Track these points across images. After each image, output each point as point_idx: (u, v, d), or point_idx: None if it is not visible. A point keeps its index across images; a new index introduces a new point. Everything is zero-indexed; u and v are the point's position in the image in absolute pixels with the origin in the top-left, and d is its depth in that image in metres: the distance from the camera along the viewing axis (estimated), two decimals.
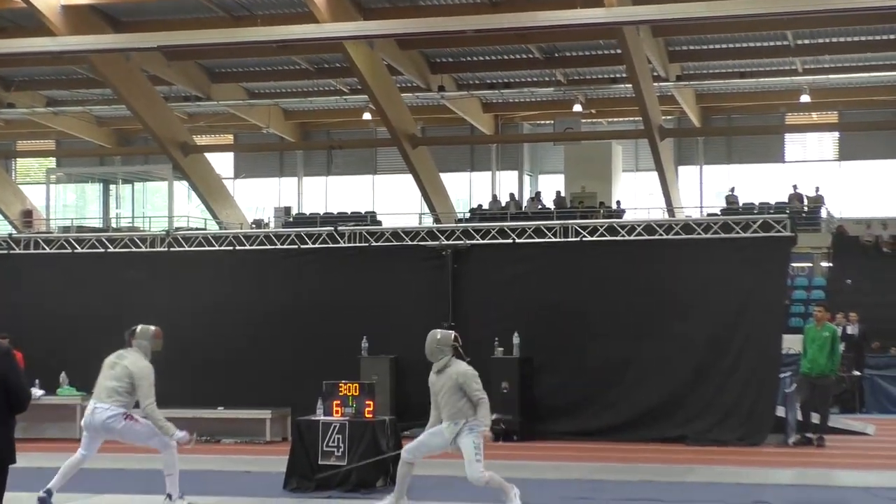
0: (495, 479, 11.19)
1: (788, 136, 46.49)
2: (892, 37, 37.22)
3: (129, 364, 11.51)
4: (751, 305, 17.96)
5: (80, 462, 11.65)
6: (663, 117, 41.99)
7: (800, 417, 17.99)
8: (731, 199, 42.16)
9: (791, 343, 21.04)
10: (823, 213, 41.31)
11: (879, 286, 33.60)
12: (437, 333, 11.61)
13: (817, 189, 41.96)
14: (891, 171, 44.35)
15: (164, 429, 11.36)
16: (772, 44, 38.36)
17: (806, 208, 41.06)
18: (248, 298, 19.81)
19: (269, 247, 20.37)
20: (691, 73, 41.62)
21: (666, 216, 38.07)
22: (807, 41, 38.03)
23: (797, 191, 41.77)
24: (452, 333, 11.76)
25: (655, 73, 39.18)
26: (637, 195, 45.78)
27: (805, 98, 41.81)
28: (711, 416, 17.39)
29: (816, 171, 44.64)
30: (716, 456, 16.08)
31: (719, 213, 36.29)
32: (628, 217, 38.88)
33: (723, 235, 18.68)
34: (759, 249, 18.27)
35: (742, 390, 17.61)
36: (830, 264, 38.15)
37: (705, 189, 47.12)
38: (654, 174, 42.12)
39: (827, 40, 37.88)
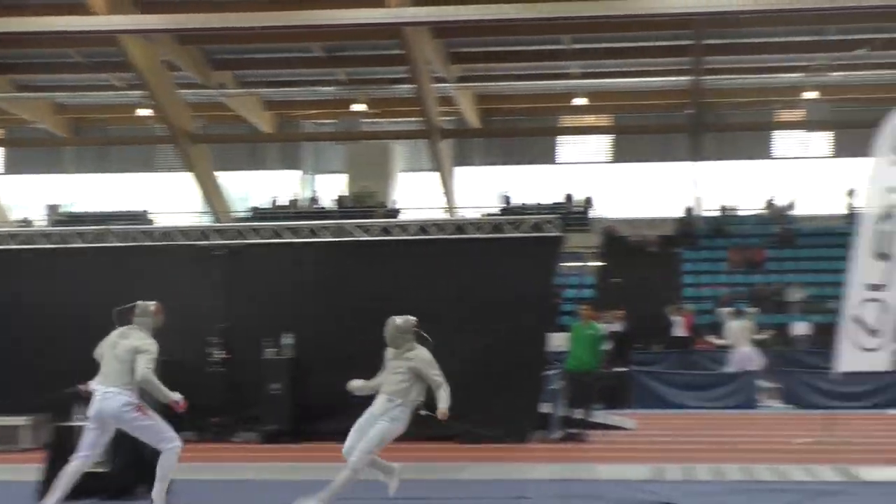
0: (360, 472, 11.50)
1: (563, 139, 47.54)
2: (664, 43, 38.58)
3: (135, 340, 10.99)
4: (520, 304, 18.18)
5: (83, 467, 11.01)
6: (443, 118, 42.47)
7: (564, 413, 18.46)
8: (506, 200, 42.86)
9: (561, 341, 21.55)
10: (593, 214, 42.38)
11: (645, 284, 34.71)
12: (397, 320, 11.74)
13: (589, 190, 42.99)
14: (658, 171, 45.87)
15: (162, 393, 10.89)
16: (549, 47, 39.25)
17: (577, 209, 42.07)
18: (7, 299, 19.12)
19: (35, 246, 19.76)
20: (472, 75, 42.23)
21: (444, 216, 38.49)
22: (583, 45, 39.04)
23: (570, 192, 42.75)
24: (413, 319, 11.83)
25: (436, 74, 39.60)
26: (417, 195, 46.12)
27: (580, 101, 42.91)
28: (480, 414, 17.47)
29: (590, 173, 45.79)
30: (484, 453, 16.28)
31: (496, 212, 36.97)
32: (406, 216, 39.14)
33: (495, 235, 18.96)
34: (529, 249, 18.55)
35: (510, 388, 17.84)
36: (600, 263, 39.20)
37: (483, 189, 47.77)
38: (434, 174, 42.55)
39: (602, 45, 38.97)
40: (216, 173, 43.49)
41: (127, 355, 10.92)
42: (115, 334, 11.20)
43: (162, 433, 10.95)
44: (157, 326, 11.41)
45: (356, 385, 11.55)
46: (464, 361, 17.84)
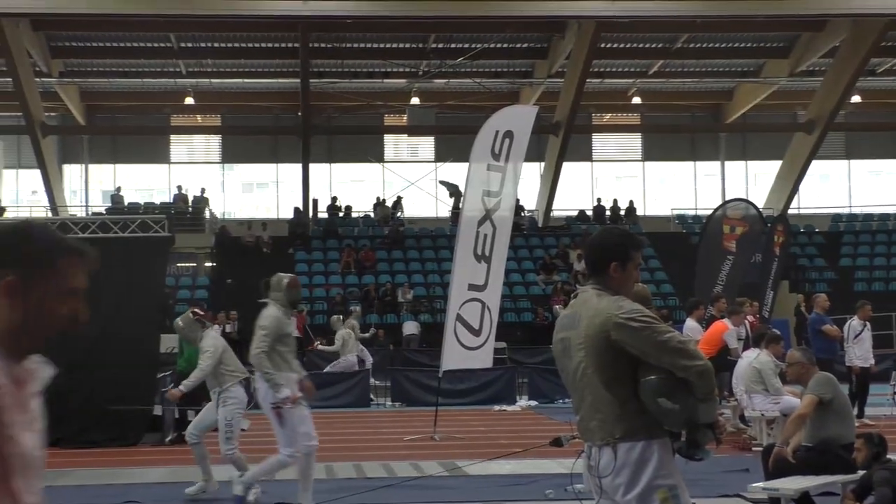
0: (240, 459, 11.75)
1: (175, 138, 46.91)
2: (272, 45, 38.83)
3: (260, 318, 10.27)
4: (130, 305, 17.80)
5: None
6: (46, 114, 40.94)
7: (177, 416, 18.23)
8: (116, 199, 41.82)
9: (171, 342, 21.22)
10: (207, 214, 42.06)
11: (259, 285, 34.66)
12: (179, 320, 12.26)
13: (203, 190, 42.63)
14: (271, 173, 46.13)
15: (272, 380, 10.11)
16: (156, 45, 38.62)
17: (191, 209, 41.64)
18: None
19: None
20: (75, 70, 40.96)
21: (50, 215, 37.12)
22: (190, 44, 38.66)
23: (182, 191, 42.24)
24: (190, 310, 12.17)
25: (37, 69, 38.13)
26: (20, 193, 44.28)
27: (189, 100, 42.46)
28: (86, 417, 17.03)
29: (201, 173, 45.40)
30: (90, 458, 15.80)
31: (104, 212, 36.00)
32: (10, 215, 37.49)
33: (100, 235, 18.45)
34: (139, 249, 18.22)
35: (119, 390, 17.36)
36: (214, 264, 38.97)
37: (93, 188, 46.47)
38: (38, 171, 40.95)
39: (209, 45, 38.72)
40: None
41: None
42: None
43: (297, 432, 10.55)
44: (294, 300, 10.93)
45: None
46: (73, 361, 17.29)
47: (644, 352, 4.85)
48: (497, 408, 23.31)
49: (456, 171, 41.47)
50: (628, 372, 4.90)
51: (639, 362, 4.88)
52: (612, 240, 5.26)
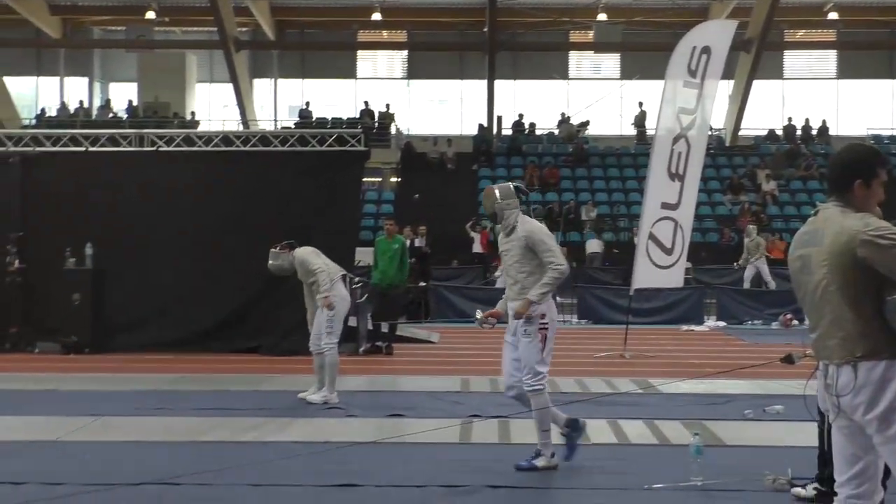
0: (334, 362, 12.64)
1: (361, 53, 47.34)
2: None
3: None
4: (324, 218, 18.09)
5: None
6: (239, 29, 41.73)
7: (370, 327, 18.60)
8: (304, 114, 42.54)
9: (362, 256, 21.58)
10: (393, 130, 42.46)
11: (444, 201, 35.09)
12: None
13: (388, 106, 43.02)
14: (455, 90, 46.15)
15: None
16: None
17: (377, 124, 42.06)
18: None
19: None
20: None
21: (241, 128, 37.95)
22: None
23: (368, 107, 42.70)
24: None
25: None
26: (212, 106, 45.37)
27: (376, 16, 42.73)
28: (282, 328, 17.47)
29: (386, 89, 45.73)
30: (288, 365, 16.27)
31: (293, 126, 36.62)
32: (203, 128, 38.43)
33: (299, 148, 18.83)
34: (333, 163, 18.48)
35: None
36: (399, 179, 39.37)
37: (280, 103, 47.32)
38: (230, 86, 41.87)
39: None
40: (3, 78, 41.80)
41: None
42: None
43: None
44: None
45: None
46: (268, 275, 17.76)
47: (891, 270, 4.76)
48: (685, 328, 23.17)
49: (642, 89, 40.97)
50: (872, 290, 4.82)
51: (884, 280, 4.80)
52: (857, 156, 5.15)
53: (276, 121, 44.37)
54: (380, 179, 39.79)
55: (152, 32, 42.69)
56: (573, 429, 9.39)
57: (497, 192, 9.28)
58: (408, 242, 23.86)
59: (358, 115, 42.22)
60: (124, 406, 12.36)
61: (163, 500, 8.06)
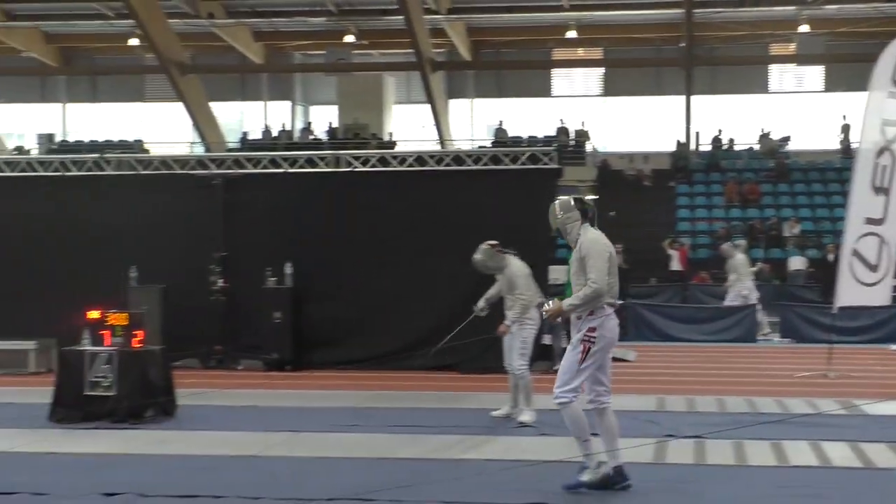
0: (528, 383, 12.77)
1: (556, 71, 47.30)
2: None
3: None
4: (517, 237, 18.01)
5: None
6: (435, 50, 42.20)
7: (563, 345, 18.47)
8: (499, 132, 42.71)
9: (558, 274, 21.49)
10: (589, 148, 42.27)
11: (640, 218, 34.75)
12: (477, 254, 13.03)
13: (583, 123, 42.86)
14: (652, 106, 45.66)
15: None
16: None
17: (572, 142, 41.94)
18: (9, 226, 19.06)
19: (30, 174, 19.66)
20: (462, 7, 41.88)
21: (439, 147, 38.31)
22: None
23: (563, 125, 42.63)
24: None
25: (427, 6, 39.27)
26: (409, 127, 45.93)
27: (571, 34, 42.64)
28: (479, 345, 17.51)
29: (582, 106, 45.57)
30: (484, 383, 16.30)
31: (489, 145, 36.80)
32: (400, 148, 38.95)
33: (492, 167, 18.89)
34: (526, 181, 18.44)
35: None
36: (596, 197, 39.14)
37: (476, 122, 47.61)
38: (426, 106, 42.35)
39: None
40: (210, 104, 43.22)
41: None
42: None
43: None
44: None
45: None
46: (466, 292, 17.81)
47: None
48: (894, 347, 22.35)
49: (846, 101, 39.83)
50: None
51: None
52: None
53: (472, 140, 44.63)
54: None
55: (351, 56, 43.54)
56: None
57: (557, 208, 9.31)
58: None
59: (554, 133, 42.15)
60: (320, 422, 12.60)
61: None
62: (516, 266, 12.92)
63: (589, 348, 8.99)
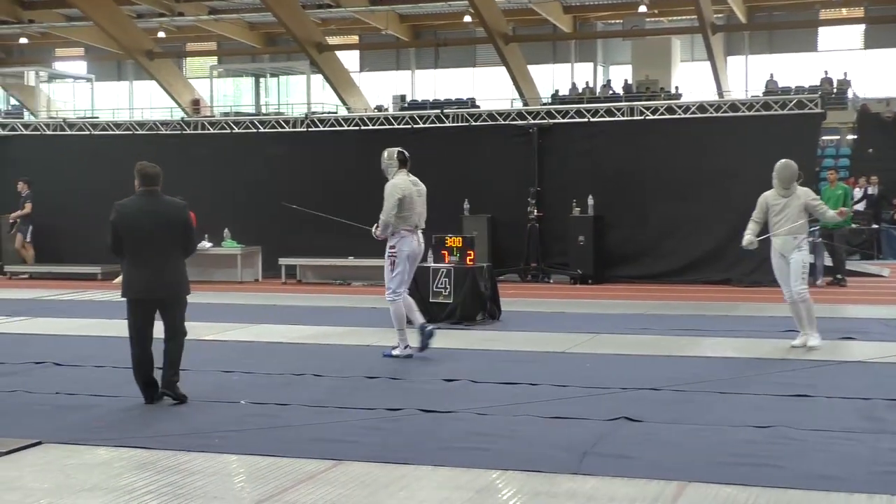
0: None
1: (822, 29, 44.83)
2: None
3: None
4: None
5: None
6: (715, 15, 40.75)
7: (827, 262, 17.73)
8: (770, 84, 40.92)
9: None
10: (850, 94, 39.91)
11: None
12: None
13: (845, 74, 40.48)
14: None
15: None
16: None
17: (835, 90, 39.73)
18: (371, 170, 19.70)
19: (388, 127, 20.32)
20: None
21: (717, 98, 37.08)
22: None
23: (827, 76, 40.40)
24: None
25: None
26: (692, 82, 44.64)
27: None
28: (751, 262, 16.95)
29: (845, 59, 43.01)
30: (755, 294, 15.88)
31: (761, 96, 35.33)
32: (684, 100, 37.92)
33: (763, 113, 18.17)
34: (793, 124, 17.70)
35: None
36: (855, 137, 37.04)
37: (750, 77, 45.80)
38: (707, 64, 41.02)
39: None
40: (528, 67, 43.42)
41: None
42: (410, 181, 10.35)
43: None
44: None
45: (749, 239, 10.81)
46: (739, 216, 17.20)
47: None
48: None
49: None
50: None
51: None
52: None
53: (746, 91, 42.92)
54: (837, 137, 37.54)
55: (644, 23, 42.64)
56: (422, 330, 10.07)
57: (385, 155, 10.36)
58: (862, 191, 22.48)
59: (818, 84, 39.99)
60: (617, 326, 12.56)
61: (645, 400, 8.10)
62: (804, 192, 11.17)
63: (394, 260, 10.10)
